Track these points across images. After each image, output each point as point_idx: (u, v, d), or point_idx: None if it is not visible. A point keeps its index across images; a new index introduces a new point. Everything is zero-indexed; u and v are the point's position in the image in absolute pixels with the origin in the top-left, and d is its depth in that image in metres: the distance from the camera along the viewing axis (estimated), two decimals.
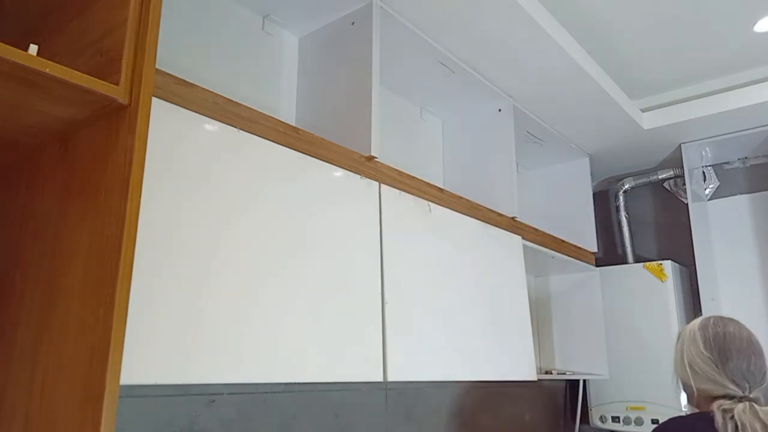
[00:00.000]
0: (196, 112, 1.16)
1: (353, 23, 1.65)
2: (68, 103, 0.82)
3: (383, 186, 1.57)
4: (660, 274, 2.59)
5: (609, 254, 3.03)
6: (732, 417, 1.18)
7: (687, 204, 2.64)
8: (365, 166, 1.51)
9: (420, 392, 2.01)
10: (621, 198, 2.93)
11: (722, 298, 2.60)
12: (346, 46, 1.66)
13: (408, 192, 1.65)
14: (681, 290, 2.64)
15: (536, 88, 2.13)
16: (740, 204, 2.72)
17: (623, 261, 2.86)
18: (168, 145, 1.09)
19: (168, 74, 1.11)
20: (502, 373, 1.89)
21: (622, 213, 2.91)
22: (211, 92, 1.18)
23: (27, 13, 1.05)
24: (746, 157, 2.74)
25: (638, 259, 2.86)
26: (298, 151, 1.36)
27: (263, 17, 1.71)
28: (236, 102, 1.23)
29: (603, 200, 3.10)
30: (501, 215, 2.01)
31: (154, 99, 0.84)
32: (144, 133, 0.81)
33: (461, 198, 1.84)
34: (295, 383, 1.58)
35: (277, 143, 1.31)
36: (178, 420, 1.34)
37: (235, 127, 1.23)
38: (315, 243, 1.34)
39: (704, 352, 1.29)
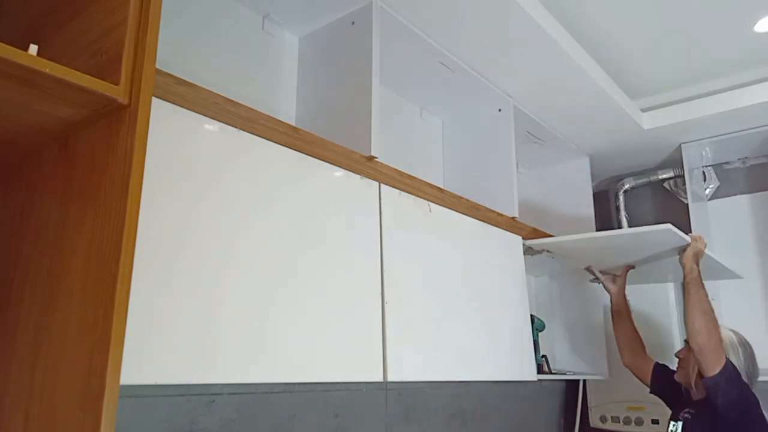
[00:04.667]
0: (196, 112, 1.16)
1: (353, 23, 1.65)
2: (68, 103, 0.82)
3: (383, 186, 1.57)
4: None
5: None
6: None
7: (687, 204, 2.63)
8: (365, 166, 1.51)
9: (420, 392, 2.01)
10: (621, 198, 2.92)
11: (722, 298, 2.60)
12: (346, 46, 1.66)
13: (408, 192, 1.65)
14: (681, 290, 2.63)
15: (536, 88, 2.13)
16: (740, 204, 2.71)
17: None
18: (168, 145, 1.09)
19: (168, 74, 1.10)
20: (502, 373, 1.89)
21: (622, 213, 2.91)
22: (211, 92, 1.18)
23: (27, 13, 1.05)
24: (746, 157, 2.74)
25: None
26: (298, 151, 1.36)
27: (263, 17, 1.71)
28: (236, 102, 1.23)
29: (603, 200, 3.09)
30: (501, 215, 2.01)
31: (154, 99, 0.84)
32: (144, 133, 0.81)
33: (461, 198, 1.84)
34: (295, 383, 1.58)
35: (277, 143, 1.31)
36: (178, 420, 1.34)
37: (235, 127, 1.23)
38: (315, 243, 1.34)
39: None
